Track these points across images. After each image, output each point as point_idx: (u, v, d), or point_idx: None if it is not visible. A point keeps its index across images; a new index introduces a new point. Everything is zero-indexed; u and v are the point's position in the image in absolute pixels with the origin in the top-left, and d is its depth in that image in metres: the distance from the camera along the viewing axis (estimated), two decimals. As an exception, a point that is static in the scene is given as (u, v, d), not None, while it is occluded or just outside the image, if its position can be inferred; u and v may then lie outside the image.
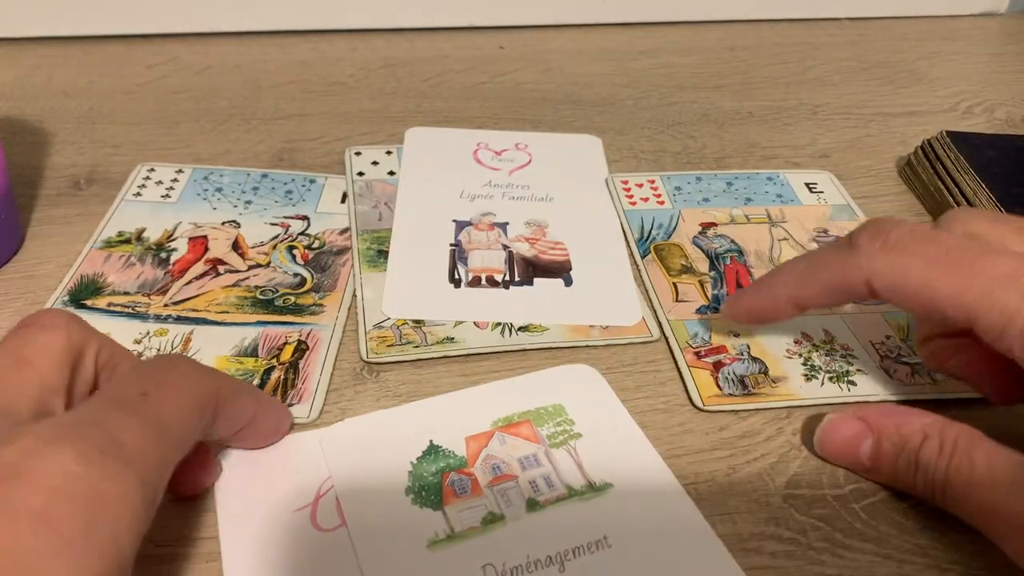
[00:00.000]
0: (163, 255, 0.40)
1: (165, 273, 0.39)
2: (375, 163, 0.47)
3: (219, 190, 0.44)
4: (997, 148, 0.46)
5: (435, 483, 0.29)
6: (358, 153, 0.48)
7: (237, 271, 0.39)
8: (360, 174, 0.46)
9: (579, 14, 0.65)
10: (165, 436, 0.22)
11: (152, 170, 0.45)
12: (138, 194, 0.44)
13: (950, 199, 0.44)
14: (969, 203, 0.43)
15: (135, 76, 0.56)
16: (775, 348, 0.36)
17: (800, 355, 0.36)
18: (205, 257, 0.40)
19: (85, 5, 0.58)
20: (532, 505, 0.29)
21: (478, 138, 0.50)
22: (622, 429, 0.32)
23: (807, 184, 0.47)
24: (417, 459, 0.30)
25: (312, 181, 0.46)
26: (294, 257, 0.40)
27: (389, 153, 0.48)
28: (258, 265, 0.40)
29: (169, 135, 0.49)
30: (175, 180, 0.45)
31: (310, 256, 0.40)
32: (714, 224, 0.43)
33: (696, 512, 0.29)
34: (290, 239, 0.41)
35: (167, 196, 0.44)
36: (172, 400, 0.23)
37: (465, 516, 0.28)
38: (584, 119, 0.53)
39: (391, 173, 0.47)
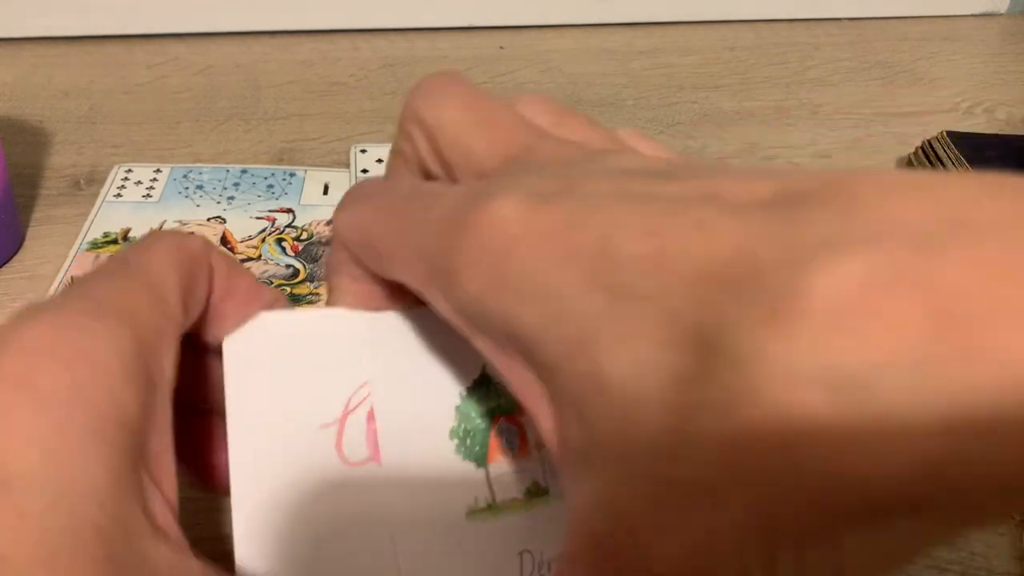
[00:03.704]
0: None
1: (158, 271, 0.39)
2: (379, 160, 0.47)
3: (200, 187, 0.44)
4: (998, 148, 0.46)
5: (483, 430, 0.25)
6: (363, 151, 0.48)
7: None
8: (364, 171, 0.46)
9: (579, 14, 0.65)
10: (158, 296, 0.20)
11: (130, 171, 0.45)
12: (118, 195, 0.44)
13: (950, 199, 0.44)
14: (969, 203, 0.43)
15: (135, 76, 0.56)
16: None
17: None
18: None
19: (85, 5, 0.58)
20: None
21: (480, 137, 0.50)
22: None
23: (807, 184, 0.47)
24: (467, 391, 0.25)
25: (292, 175, 0.46)
26: (284, 249, 0.41)
27: (391, 152, 0.48)
28: (249, 259, 0.40)
29: (169, 135, 0.49)
30: (154, 180, 0.45)
31: (300, 248, 0.41)
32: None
33: None
34: (277, 232, 0.42)
35: (148, 196, 0.44)
36: (157, 259, 0.20)
37: (508, 482, 0.24)
38: (584, 119, 0.53)
39: (392, 172, 0.47)
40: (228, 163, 0.47)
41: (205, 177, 0.45)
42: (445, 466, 0.24)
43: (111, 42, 0.59)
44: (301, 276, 0.39)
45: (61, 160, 0.47)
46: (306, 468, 0.22)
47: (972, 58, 0.64)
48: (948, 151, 0.46)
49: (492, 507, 0.24)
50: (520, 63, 0.60)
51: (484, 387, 0.25)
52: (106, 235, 0.41)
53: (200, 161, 0.47)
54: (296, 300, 0.38)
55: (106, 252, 0.40)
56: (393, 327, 0.25)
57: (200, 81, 0.55)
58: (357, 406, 0.23)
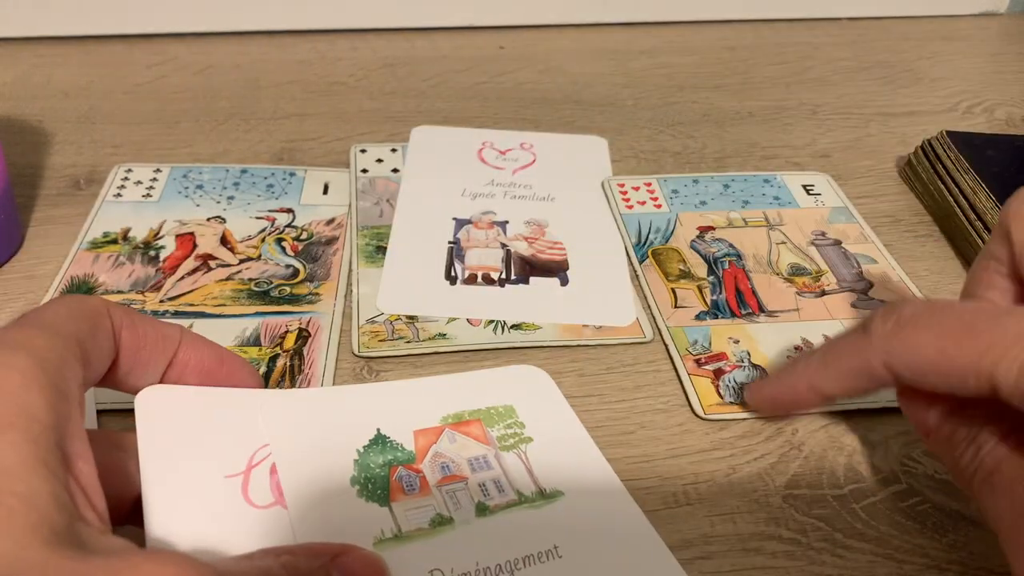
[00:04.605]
0: (152, 253, 0.40)
1: (156, 271, 0.39)
2: (379, 160, 0.47)
3: (200, 187, 0.44)
4: (997, 148, 0.46)
5: (382, 477, 0.28)
6: (363, 150, 0.48)
7: (228, 265, 0.40)
8: (364, 171, 0.46)
9: (579, 14, 0.65)
10: (52, 332, 0.22)
11: (130, 171, 0.45)
12: (118, 195, 0.44)
13: (950, 199, 0.44)
14: (969, 203, 0.43)
15: (135, 76, 0.55)
16: (776, 355, 0.36)
17: (800, 358, 0.36)
18: (195, 253, 0.40)
19: (85, 5, 0.58)
20: (482, 510, 0.28)
21: (483, 137, 0.50)
22: (572, 435, 0.31)
23: (804, 186, 0.47)
24: (364, 448, 0.29)
25: (292, 174, 0.46)
26: (284, 249, 0.41)
27: (394, 151, 0.48)
28: (249, 259, 0.40)
29: (169, 135, 0.49)
30: (154, 179, 0.45)
31: (300, 247, 0.41)
32: (712, 228, 0.43)
33: (647, 524, 0.28)
34: (277, 232, 0.42)
35: (148, 196, 0.44)
36: (51, 311, 0.23)
37: (413, 516, 0.27)
38: (584, 119, 0.53)
39: (395, 170, 0.47)
40: (228, 163, 0.47)
41: (205, 177, 0.45)
42: (349, 506, 0.27)
43: (111, 42, 0.59)
44: (301, 276, 0.39)
45: (61, 160, 0.47)
46: (215, 509, 0.25)
47: (972, 58, 0.64)
48: (948, 151, 0.46)
49: (399, 537, 0.26)
50: (520, 63, 0.60)
51: (380, 444, 0.29)
52: (106, 235, 0.41)
53: (200, 161, 0.47)
54: (296, 299, 0.38)
55: (106, 252, 0.40)
56: (288, 403, 0.29)
57: (200, 81, 0.55)
58: (260, 461, 0.27)
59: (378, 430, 0.29)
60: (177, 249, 0.40)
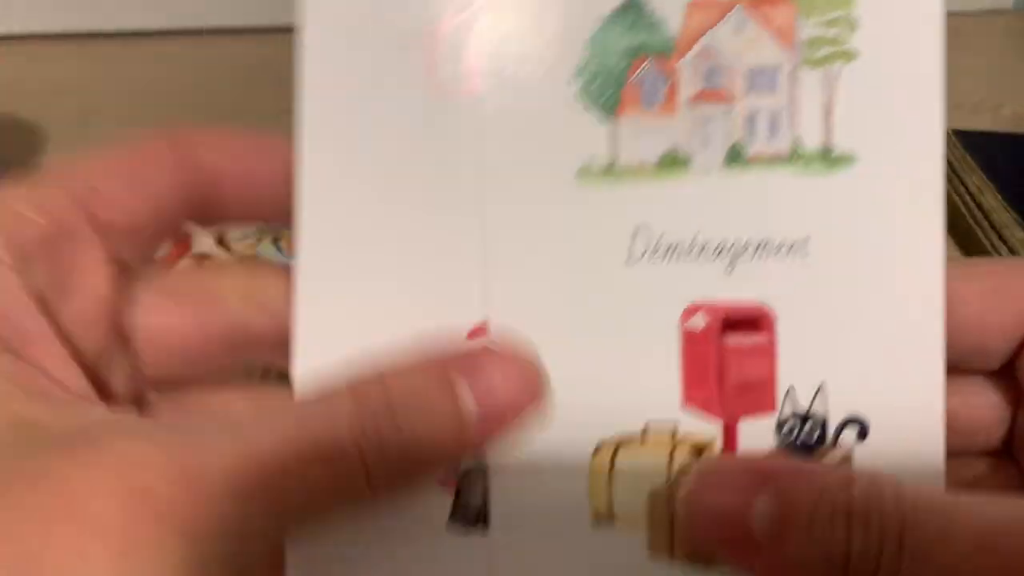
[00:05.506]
0: None
1: (153, 271, 0.39)
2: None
3: None
4: (1004, 146, 0.46)
5: (619, 71, 0.19)
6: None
7: None
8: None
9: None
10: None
11: None
12: None
13: (956, 198, 0.44)
14: (976, 203, 0.43)
15: (131, 74, 0.55)
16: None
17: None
18: (190, 254, 0.40)
19: (84, 4, 0.58)
20: (734, 156, 0.19)
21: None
22: (916, 61, 0.22)
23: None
24: (606, 21, 0.19)
25: None
26: (280, 249, 0.40)
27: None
28: (245, 259, 0.40)
29: (168, 135, 0.49)
30: None
31: None
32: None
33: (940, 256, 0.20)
34: (274, 232, 0.42)
35: None
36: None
37: (640, 144, 0.19)
38: (586, 118, 0.53)
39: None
40: (226, 163, 0.47)
41: (202, 176, 0.45)
42: (561, 111, 0.19)
43: (110, 41, 0.59)
44: (300, 276, 0.39)
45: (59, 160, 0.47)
46: (384, 89, 0.20)
47: (977, 55, 0.64)
48: (953, 150, 0.46)
49: (611, 170, 0.19)
50: (521, 61, 0.59)
51: (632, 15, 0.19)
52: (103, 236, 0.41)
53: (198, 161, 0.47)
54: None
55: (103, 253, 0.40)
56: None
57: (198, 79, 0.55)
58: (458, 15, 0.19)
59: None
60: (172, 250, 0.40)
